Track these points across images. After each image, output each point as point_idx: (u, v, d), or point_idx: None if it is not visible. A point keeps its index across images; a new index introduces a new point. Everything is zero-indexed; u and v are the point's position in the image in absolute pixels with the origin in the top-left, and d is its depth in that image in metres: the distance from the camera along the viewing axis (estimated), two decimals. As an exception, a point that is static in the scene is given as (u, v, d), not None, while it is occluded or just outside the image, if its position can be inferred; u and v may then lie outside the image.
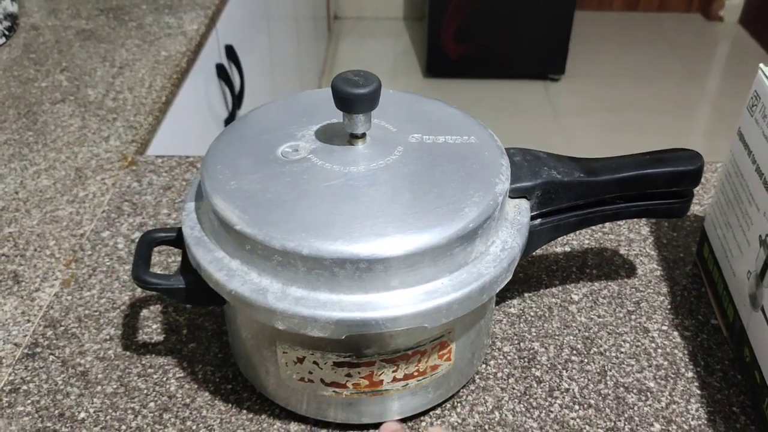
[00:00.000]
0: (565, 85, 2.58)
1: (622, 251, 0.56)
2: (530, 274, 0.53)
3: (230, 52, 1.08)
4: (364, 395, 0.40)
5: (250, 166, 0.39)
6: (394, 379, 0.39)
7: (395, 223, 0.36)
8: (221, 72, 1.04)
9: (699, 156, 0.45)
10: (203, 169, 0.40)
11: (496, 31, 2.48)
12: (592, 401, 0.44)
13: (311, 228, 0.35)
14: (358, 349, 0.38)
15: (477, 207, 0.37)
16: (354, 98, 0.38)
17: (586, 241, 0.57)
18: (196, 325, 0.48)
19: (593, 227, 0.58)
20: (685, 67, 2.73)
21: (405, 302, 0.35)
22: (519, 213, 0.41)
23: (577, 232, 0.57)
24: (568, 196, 0.44)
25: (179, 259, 0.54)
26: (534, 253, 0.55)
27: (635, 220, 0.59)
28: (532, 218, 0.43)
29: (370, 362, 0.38)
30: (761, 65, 0.45)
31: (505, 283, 0.39)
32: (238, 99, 1.11)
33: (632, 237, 0.57)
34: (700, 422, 0.43)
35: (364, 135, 0.40)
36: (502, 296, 0.51)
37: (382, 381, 0.39)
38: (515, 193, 0.42)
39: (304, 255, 0.35)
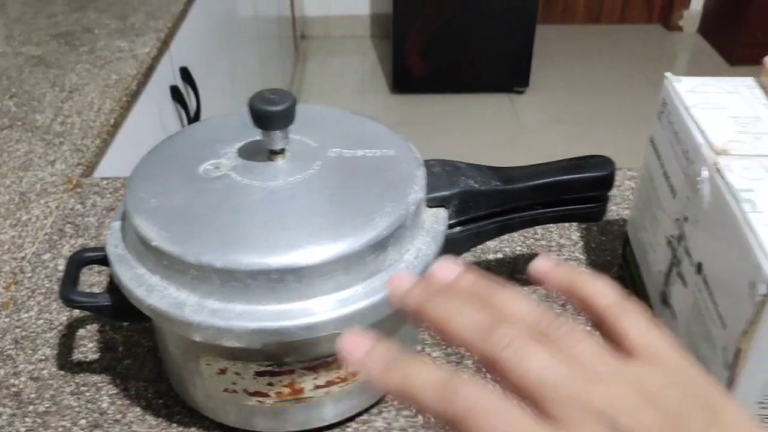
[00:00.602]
0: (530, 98, 2.63)
1: (552, 256, 0.57)
2: (463, 282, 0.55)
3: (185, 74, 1.09)
4: (288, 403, 0.41)
5: (171, 184, 0.41)
6: (316, 387, 0.41)
7: (310, 235, 0.37)
8: (176, 94, 1.05)
9: (611, 162, 0.47)
10: (126, 188, 0.41)
11: (461, 46, 2.52)
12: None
13: (227, 242, 0.37)
14: (277, 357, 0.39)
15: (389, 217, 0.38)
16: (270, 116, 0.40)
17: (518, 248, 0.58)
18: (133, 342, 0.49)
19: (525, 234, 0.60)
20: (647, 77, 2.79)
21: (319, 310, 0.37)
22: (436, 222, 0.43)
23: (509, 240, 0.59)
24: (485, 203, 0.45)
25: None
26: (466, 261, 0.57)
27: (566, 226, 0.60)
28: (452, 226, 0.45)
29: (290, 370, 0.39)
30: (667, 74, 0.47)
31: (420, 289, 0.40)
32: (194, 121, 1.12)
33: (563, 242, 0.59)
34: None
35: (283, 151, 0.42)
36: (435, 304, 0.53)
37: (303, 388, 0.40)
38: (433, 203, 0.44)
39: (218, 268, 0.36)
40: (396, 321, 0.42)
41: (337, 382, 0.41)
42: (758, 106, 0.43)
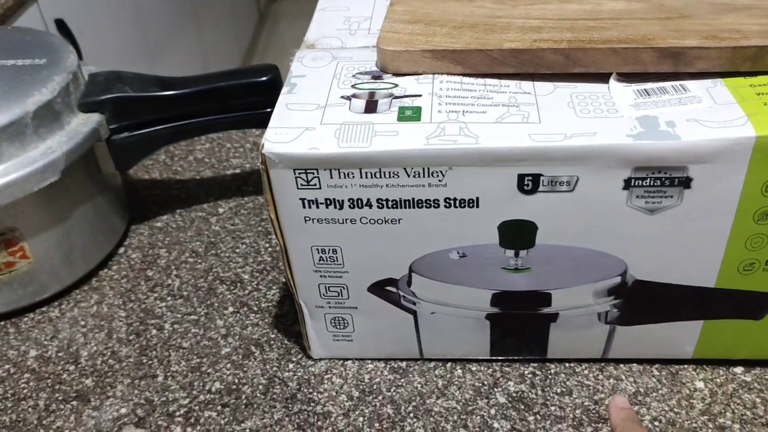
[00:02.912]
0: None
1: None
2: (190, 195, 0.58)
3: (61, 26, 1.13)
4: (-55, 291, 0.45)
5: None
6: (-35, 275, 0.45)
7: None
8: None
9: (273, 68, 0.50)
10: None
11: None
12: (186, 293, 0.49)
13: None
14: None
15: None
16: None
17: (258, 165, 0.61)
18: None
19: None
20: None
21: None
22: (84, 125, 0.46)
23: (250, 159, 0.62)
24: (146, 109, 0.49)
25: None
26: (198, 177, 0.60)
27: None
28: (118, 131, 0.48)
29: (-68, 257, 0.44)
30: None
31: (47, 183, 0.44)
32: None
33: (302, 157, 0.62)
34: (270, 304, 0.48)
35: (-69, 62, 0.46)
36: (155, 213, 0.56)
37: (-48, 276, 0.45)
38: (85, 108, 0.47)
39: None
40: (47, 218, 0.46)
41: (-11, 272, 0.45)
42: (381, 8, 0.46)
